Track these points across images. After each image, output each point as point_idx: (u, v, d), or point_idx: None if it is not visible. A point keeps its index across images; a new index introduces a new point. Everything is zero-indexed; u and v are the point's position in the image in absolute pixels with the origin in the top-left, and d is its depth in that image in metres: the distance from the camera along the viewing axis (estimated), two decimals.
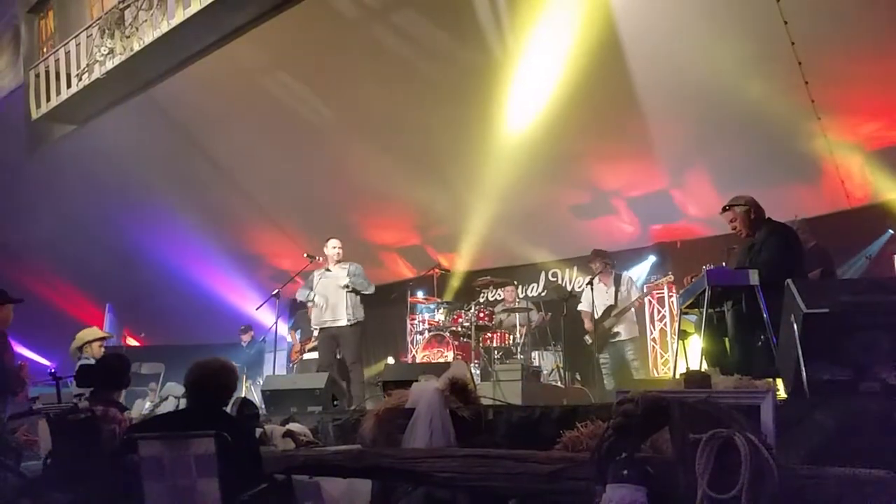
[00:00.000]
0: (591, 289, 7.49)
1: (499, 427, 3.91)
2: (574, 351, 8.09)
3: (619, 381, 7.39)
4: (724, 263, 5.64)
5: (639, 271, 9.00)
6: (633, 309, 7.73)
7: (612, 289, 7.71)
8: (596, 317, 7.67)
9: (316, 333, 7.77)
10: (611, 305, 7.65)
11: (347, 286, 7.02)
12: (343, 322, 7.02)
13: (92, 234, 10.30)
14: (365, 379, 7.45)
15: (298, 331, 9.95)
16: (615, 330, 7.63)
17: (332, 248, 7.28)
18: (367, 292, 7.15)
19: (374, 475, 3.44)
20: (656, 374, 8.31)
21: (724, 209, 5.09)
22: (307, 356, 9.02)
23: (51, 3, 8.93)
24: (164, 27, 7.09)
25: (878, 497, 2.08)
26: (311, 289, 7.26)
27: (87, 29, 8.03)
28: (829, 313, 3.18)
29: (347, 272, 7.11)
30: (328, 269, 7.25)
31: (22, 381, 5.30)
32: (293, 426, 4.40)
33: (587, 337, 7.82)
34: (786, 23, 6.28)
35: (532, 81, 7.56)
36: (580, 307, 7.97)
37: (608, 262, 7.79)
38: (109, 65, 7.63)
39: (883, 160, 7.27)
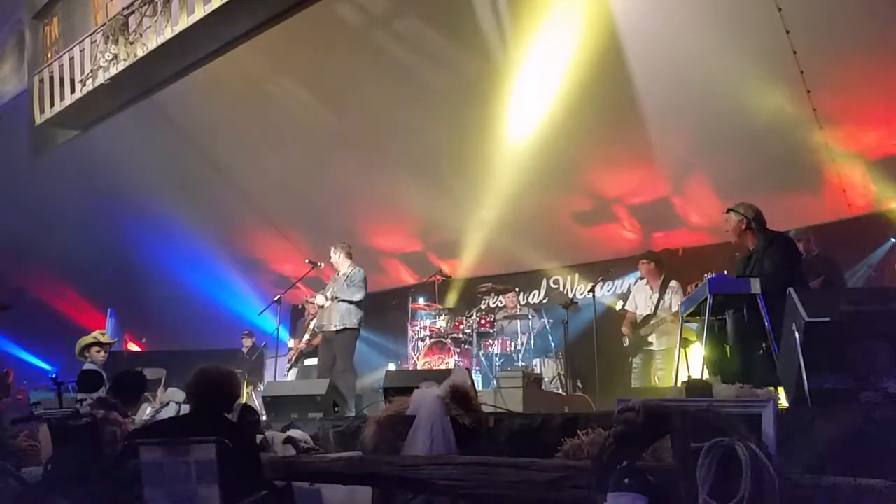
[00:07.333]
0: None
1: (500, 435, 3.91)
2: (576, 358, 8.06)
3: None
4: (725, 272, 5.64)
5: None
6: (669, 321, 7.21)
7: (657, 295, 7.30)
8: (637, 321, 7.40)
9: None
10: (649, 314, 7.31)
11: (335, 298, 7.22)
12: (333, 326, 7.24)
13: (94, 238, 10.32)
14: (365, 386, 7.50)
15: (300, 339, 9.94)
16: (649, 339, 7.32)
17: (332, 255, 7.53)
18: (349, 298, 7.22)
19: (374, 482, 3.43)
20: (657, 382, 8.25)
21: (726, 211, 5.20)
22: (308, 361, 9.01)
23: (56, 8, 8.96)
24: (168, 33, 7.11)
25: None
26: (326, 297, 7.52)
27: (91, 35, 8.04)
28: (830, 322, 3.18)
29: (346, 278, 7.33)
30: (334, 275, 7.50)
31: (7, 387, 5.29)
32: (294, 432, 4.39)
33: (625, 339, 7.53)
34: (787, 32, 6.29)
35: (534, 88, 7.57)
36: (625, 306, 7.77)
37: (655, 265, 7.36)
38: (113, 70, 7.65)
39: (885, 169, 7.26)
